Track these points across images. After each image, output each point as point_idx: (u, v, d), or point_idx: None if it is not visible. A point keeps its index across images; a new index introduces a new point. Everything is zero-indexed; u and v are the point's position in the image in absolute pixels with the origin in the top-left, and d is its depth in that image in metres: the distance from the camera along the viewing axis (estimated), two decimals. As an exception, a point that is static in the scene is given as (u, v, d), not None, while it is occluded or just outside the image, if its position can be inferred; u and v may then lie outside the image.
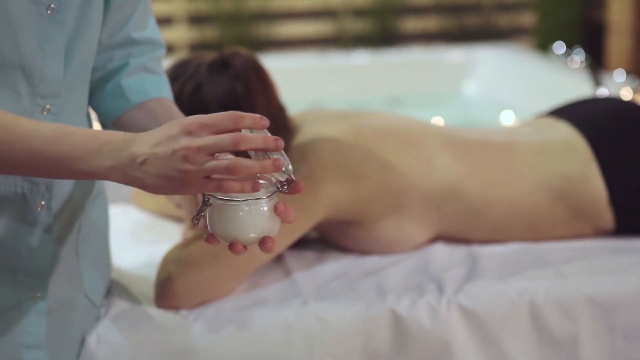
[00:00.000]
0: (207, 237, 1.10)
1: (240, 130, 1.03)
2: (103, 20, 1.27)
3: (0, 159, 1.07)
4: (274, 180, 1.06)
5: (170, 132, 1.02)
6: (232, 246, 1.08)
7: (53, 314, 1.29)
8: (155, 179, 1.04)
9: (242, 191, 1.03)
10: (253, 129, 1.03)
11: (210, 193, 1.06)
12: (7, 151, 1.06)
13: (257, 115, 1.03)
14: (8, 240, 1.22)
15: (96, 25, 1.25)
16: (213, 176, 1.03)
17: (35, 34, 1.15)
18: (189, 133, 1.02)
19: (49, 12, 1.16)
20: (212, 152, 1.02)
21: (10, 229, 1.22)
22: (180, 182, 1.03)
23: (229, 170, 1.01)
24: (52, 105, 1.20)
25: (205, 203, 1.07)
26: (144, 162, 1.03)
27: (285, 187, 1.06)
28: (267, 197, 1.06)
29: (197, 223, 1.09)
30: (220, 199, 1.06)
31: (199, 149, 1.01)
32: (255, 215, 1.06)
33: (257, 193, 1.06)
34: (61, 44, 1.19)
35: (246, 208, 1.05)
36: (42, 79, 1.17)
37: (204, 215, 1.08)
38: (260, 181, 1.06)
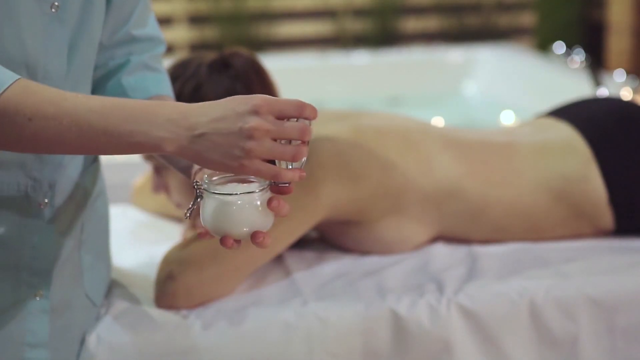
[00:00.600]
0: (199, 232, 1.10)
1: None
2: (104, 18, 1.28)
3: (50, 136, 1.05)
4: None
5: (237, 109, 1.01)
6: (223, 240, 1.07)
7: (55, 313, 1.29)
8: (213, 154, 1.02)
9: (293, 180, 1.04)
10: (309, 119, 1.04)
11: (203, 187, 1.06)
12: (56, 126, 1.04)
13: (312, 106, 1.04)
14: (11, 238, 1.23)
15: (98, 22, 1.25)
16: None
17: (39, 32, 1.16)
18: (257, 113, 1.01)
19: (52, 10, 1.17)
20: (279, 137, 1.02)
21: (13, 227, 1.22)
22: (238, 160, 1.02)
23: (294, 157, 1.02)
24: None
25: (198, 197, 1.07)
26: (202, 135, 1.02)
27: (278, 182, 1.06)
28: (260, 191, 1.06)
29: (189, 216, 1.09)
30: (213, 192, 1.06)
31: (267, 132, 1.01)
32: (247, 209, 1.06)
33: (250, 187, 1.06)
34: (64, 41, 1.19)
35: (239, 202, 1.05)
36: (45, 77, 1.18)
37: (196, 208, 1.08)
38: (251, 178, 1.06)
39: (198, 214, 1.10)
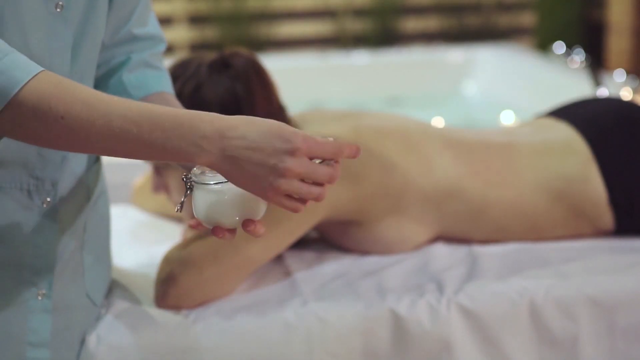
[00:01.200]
0: (190, 223, 1.10)
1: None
2: (107, 17, 1.28)
3: (80, 137, 1.04)
4: None
5: (276, 145, 1.01)
6: (215, 231, 1.08)
7: (56, 312, 1.29)
8: (241, 177, 1.03)
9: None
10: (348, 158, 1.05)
11: (192, 179, 1.07)
12: (88, 128, 1.03)
13: (355, 146, 1.05)
14: (13, 237, 1.23)
15: (102, 22, 1.25)
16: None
17: (44, 31, 1.16)
18: (295, 155, 1.01)
19: (57, 9, 1.17)
20: (308, 179, 1.03)
21: (15, 226, 1.22)
22: (263, 191, 1.03)
23: (317, 199, 1.04)
24: None
25: (188, 189, 1.07)
26: (234, 158, 1.02)
27: None
28: None
29: (181, 209, 1.09)
30: (202, 183, 1.06)
31: (299, 175, 1.02)
32: (237, 197, 1.06)
33: None
34: (68, 40, 1.20)
35: (228, 190, 1.06)
36: None
37: (188, 202, 1.08)
38: None
39: (190, 208, 1.10)
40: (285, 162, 1.01)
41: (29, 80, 1.04)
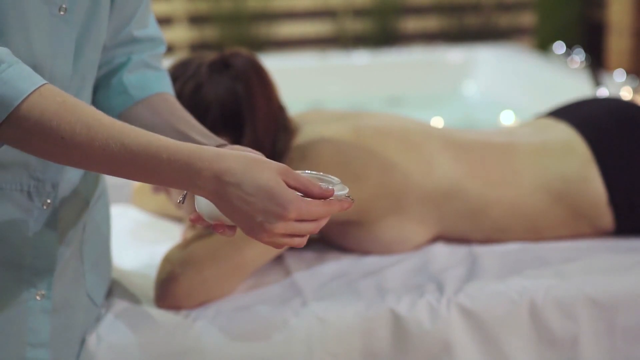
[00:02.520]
0: (191, 217, 1.11)
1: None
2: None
3: (78, 157, 1.06)
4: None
5: (268, 207, 1.03)
6: (215, 226, 1.09)
7: (56, 313, 1.29)
8: (232, 216, 1.05)
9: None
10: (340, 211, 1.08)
11: None
12: (87, 150, 1.05)
13: (347, 203, 1.07)
14: (13, 238, 1.23)
15: (104, 25, 1.26)
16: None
17: (47, 34, 1.16)
18: (283, 220, 1.03)
19: (60, 12, 1.17)
20: (292, 235, 1.05)
21: (15, 227, 1.22)
22: (252, 234, 1.05)
23: (298, 245, 1.06)
24: None
25: None
26: (227, 198, 1.04)
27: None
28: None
29: (184, 201, 1.09)
30: None
31: (282, 235, 1.05)
32: None
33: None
34: (71, 43, 1.20)
35: None
36: (52, 78, 1.18)
37: (189, 194, 1.08)
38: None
39: (190, 205, 1.10)
40: (272, 224, 1.03)
41: (33, 92, 1.04)
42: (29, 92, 1.04)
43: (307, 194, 1.05)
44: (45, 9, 1.15)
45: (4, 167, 1.19)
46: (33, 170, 1.21)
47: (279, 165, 1.05)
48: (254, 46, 4.10)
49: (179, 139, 1.09)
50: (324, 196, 1.05)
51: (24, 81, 1.05)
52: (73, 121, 1.04)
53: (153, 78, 1.34)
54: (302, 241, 1.07)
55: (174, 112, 1.30)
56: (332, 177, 1.11)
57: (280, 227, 1.03)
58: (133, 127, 1.07)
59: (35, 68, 1.15)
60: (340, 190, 1.08)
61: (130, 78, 1.33)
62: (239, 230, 1.10)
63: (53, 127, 1.04)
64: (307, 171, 1.11)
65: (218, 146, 1.19)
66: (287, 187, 1.04)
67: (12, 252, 1.23)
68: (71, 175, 1.28)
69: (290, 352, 1.41)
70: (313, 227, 1.06)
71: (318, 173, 1.11)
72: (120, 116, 1.31)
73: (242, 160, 1.04)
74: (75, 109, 1.05)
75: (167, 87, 1.36)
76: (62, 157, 1.07)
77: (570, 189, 1.64)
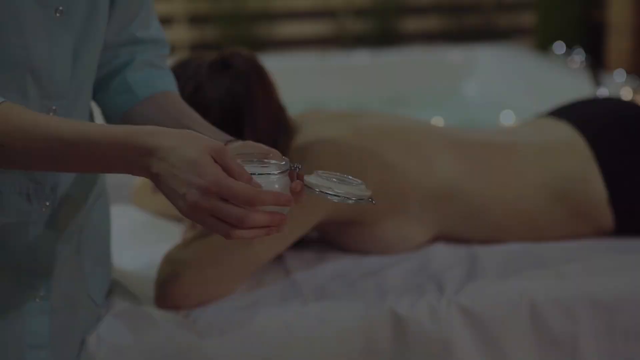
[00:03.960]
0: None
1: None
2: (108, 20, 1.28)
3: (23, 160, 1.08)
4: (287, 160, 1.07)
5: (190, 178, 1.01)
6: None
7: (57, 313, 1.29)
8: (165, 193, 1.04)
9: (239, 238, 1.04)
10: (276, 205, 1.03)
11: None
12: (28, 153, 1.07)
13: (284, 198, 1.03)
14: (12, 240, 1.23)
15: (102, 27, 1.26)
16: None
17: (44, 37, 1.16)
18: (203, 192, 1.01)
19: (57, 14, 1.17)
20: (218, 217, 1.02)
21: (14, 229, 1.22)
22: (181, 210, 1.04)
23: (226, 238, 1.03)
24: (58, 106, 1.20)
25: None
26: (156, 175, 1.03)
27: (298, 168, 1.07)
28: (279, 173, 1.06)
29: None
30: None
31: (205, 210, 1.02)
32: (265, 189, 1.05)
33: (268, 168, 1.06)
34: (69, 46, 1.19)
35: (258, 181, 1.05)
36: (50, 81, 1.18)
37: None
38: (272, 161, 1.07)
39: None
40: (194, 195, 1.01)
41: None
42: None
43: (233, 177, 1.03)
44: (41, 12, 1.15)
45: (3, 170, 1.19)
46: (32, 173, 1.21)
47: (214, 143, 1.03)
48: (254, 46, 4.10)
49: None
50: (247, 182, 1.03)
51: None
52: (12, 130, 1.05)
53: (158, 77, 1.34)
54: (228, 231, 1.02)
55: (180, 110, 1.29)
56: (354, 179, 1.10)
57: (204, 201, 1.01)
58: (69, 120, 1.08)
59: (33, 71, 1.15)
60: (360, 192, 1.07)
61: (136, 77, 1.33)
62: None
63: None
64: (325, 172, 1.10)
65: (227, 142, 1.19)
66: (212, 162, 1.02)
67: (10, 255, 1.23)
68: (70, 178, 1.28)
69: (290, 352, 1.41)
70: (240, 214, 1.01)
71: (335, 174, 1.10)
72: (125, 115, 1.31)
73: (175, 136, 1.04)
74: (14, 118, 1.06)
75: (172, 86, 1.36)
76: (6, 164, 1.09)
77: (571, 189, 1.64)
